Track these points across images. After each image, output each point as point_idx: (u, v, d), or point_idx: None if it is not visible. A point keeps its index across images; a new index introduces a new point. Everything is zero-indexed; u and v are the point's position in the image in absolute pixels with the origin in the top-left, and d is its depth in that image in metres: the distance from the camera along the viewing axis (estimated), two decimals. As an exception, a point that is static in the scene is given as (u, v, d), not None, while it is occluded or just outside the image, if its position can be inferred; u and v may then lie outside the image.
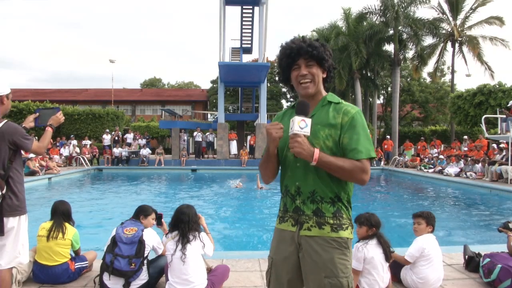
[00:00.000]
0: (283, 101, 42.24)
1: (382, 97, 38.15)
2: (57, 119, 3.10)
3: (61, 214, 3.56)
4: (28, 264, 3.43)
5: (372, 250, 3.04)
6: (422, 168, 17.11)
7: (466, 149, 17.04)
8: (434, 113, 36.53)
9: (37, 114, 3.15)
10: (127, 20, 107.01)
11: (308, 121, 1.63)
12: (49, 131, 3.04)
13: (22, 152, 2.96)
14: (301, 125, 1.61)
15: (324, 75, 1.82)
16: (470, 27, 24.07)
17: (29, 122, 3.13)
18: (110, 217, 7.71)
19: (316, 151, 1.64)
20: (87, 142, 20.39)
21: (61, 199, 3.79)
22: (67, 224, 3.57)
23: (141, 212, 3.46)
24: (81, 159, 18.26)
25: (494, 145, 14.81)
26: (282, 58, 1.81)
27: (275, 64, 1.95)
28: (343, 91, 27.79)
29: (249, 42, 25.93)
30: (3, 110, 2.82)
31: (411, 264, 3.40)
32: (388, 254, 3.11)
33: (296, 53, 1.75)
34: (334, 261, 1.70)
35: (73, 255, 3.62)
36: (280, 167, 1.90)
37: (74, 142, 19.85)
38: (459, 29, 24.09)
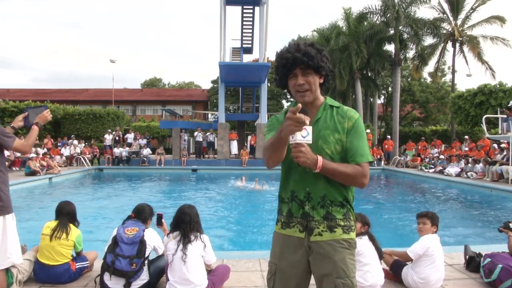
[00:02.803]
0: (284, 101, 42.25)
1: (382, 97, 38.11)
2: (43, 117, 3.08)
3: (66, 215, 3.56)
4: (29, 264, 3.43)
5: (366, 244, 3.16)
6: (423, 168, 17.09)
7: (466, 149, 17.01)
8: (435, 113, 36.50)
9: (27, 113, 3.11)
10: (127, 20, 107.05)
11: (309, 129, 1.58)
12: (35, 129, 3.02)
13: (7, 152, 2.93)
14: (303, 134, 1.57)
15: (321, 81, 1.82)
16: (470, 27, 24.04)
17: (18, 121, 3.10)
18: (111, 217, 7.70)
19: (320, 158, 1.64)
20: (74, 141, 20.01)
21: (66, 199, 3.78)
22: (71, 225, 3.56)
23: (142, 215, 3.45)
24: (82, 159, 18.30)
25: (495, 145, 14.79)
26: (278, 67, 1.79)
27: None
28: (343, 91, 27.78)
29: (250, 42, 25.91)
30: None
31: (413, 263, 3.40)
32: (380, 252, 3.23)
33: (292, 63, 1.72)
34: (345, 261, 1.73)
35: (75, 255, 3.62)
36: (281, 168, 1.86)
37: (75, 142, 19.85)
38: (460, 29, 24.04)
